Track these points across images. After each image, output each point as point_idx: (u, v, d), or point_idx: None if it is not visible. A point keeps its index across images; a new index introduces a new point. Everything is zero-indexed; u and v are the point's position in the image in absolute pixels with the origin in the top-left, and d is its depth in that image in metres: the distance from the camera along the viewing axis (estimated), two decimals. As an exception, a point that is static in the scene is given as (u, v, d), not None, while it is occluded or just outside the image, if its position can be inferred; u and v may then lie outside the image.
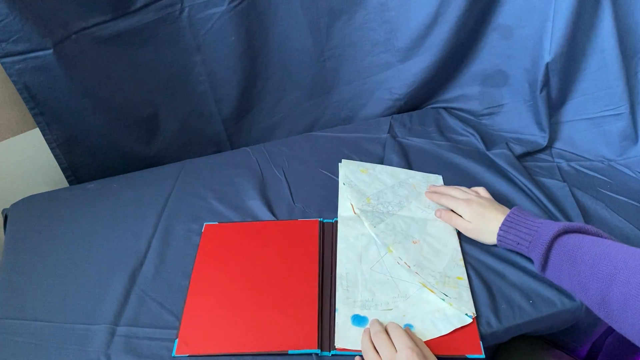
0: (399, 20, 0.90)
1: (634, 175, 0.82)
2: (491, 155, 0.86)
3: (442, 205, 0.74)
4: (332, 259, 0.68)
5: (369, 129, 0.95)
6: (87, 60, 0.77)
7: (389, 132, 0.93)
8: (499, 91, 0.94)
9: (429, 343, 0.57)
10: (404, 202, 0.76)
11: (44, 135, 0.81)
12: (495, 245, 0.68)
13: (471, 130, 0.93)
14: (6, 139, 0.82)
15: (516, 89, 0.91)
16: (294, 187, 0.81)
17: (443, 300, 0.61)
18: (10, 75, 0.73)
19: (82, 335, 0.60)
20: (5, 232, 0.76)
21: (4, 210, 0.80)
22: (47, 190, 0.84)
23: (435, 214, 0.74)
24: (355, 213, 0.74)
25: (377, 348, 0.55)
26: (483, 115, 0.97)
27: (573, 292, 0.58)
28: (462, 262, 0.67)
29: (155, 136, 0.93)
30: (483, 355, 0.56)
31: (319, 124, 1.03)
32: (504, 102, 0.94)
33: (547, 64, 0.80)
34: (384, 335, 0.55)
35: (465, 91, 0.98)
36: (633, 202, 0.77)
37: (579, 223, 0.60)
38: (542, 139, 0.89)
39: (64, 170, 0.87)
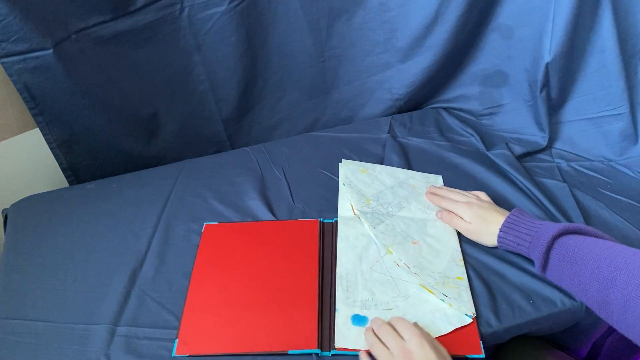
0: (399, 20, 0.90)
1: (634, 175, 0.82)
2: (491, 156, 0.86)
3: (442, 207, 0.74)
4: (332, 259, 0.68)
5: (369, 129, 0.95)
6: (87, 60, 0.77)
7: (389, 132, 0.93)
8: (499, 91, 0.94)
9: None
10: (404, 203, 0.76)
11: (44, 135, 0.81)
12: (495, 247, 0.68)
13: (471, 131, 0.93)
14: (6, 139, 0.82)
15: (516, 89, 0.91)
16: (294, 187, 0.81)
17: (443, 301, 0.61)
18: (10, 75, 0.73)
19: (82, 335, 0.60)
20: (5, 232, 0.76)
21: (4, 210, 0.80)
22: (47, 190, 0.84)
23: (436, 215, 0.74)
24: (355, 214, 0.74)
25: (383, 340, 0.54)
26: (483, 115, 0.97)
27: (573, 292, 0.58)
28: (462, 262, 0.67)
29: (155, 136, 0.93)
30: (483, 355, 0.56)
31: (319, 124, 1.03)
32: (504, 102, 0.94)
33: (547, 64, 0.80)
34: (389, 327, 0.55)
35: (465, 91, 0.98)
36: (633, 202, 0.77)
37: (579, 224, 0.60)
38: (542, 139, 0.89)
39: (64, 170, 0.87)
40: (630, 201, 0.77)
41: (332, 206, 0.76)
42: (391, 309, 0.61)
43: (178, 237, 0.73)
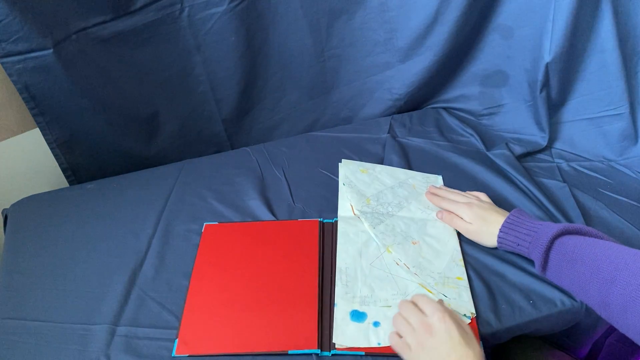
0: (399, 20, 0.90)
1: (634, 175, 0.82)
2: (491, 156, 0.86)
3: (442, 208, 0.74)
4: (332, 259, 0.68)
5: (369, 129, 0.95)
6: (87, 60, 0.77)
7: (389, 132, 0.93)
8: (499, 91, 0.94)
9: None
10: (404, 203, 0.76)
11: (44, 135, 0.81)
12: (495, 248, 0.68)
13: (471, 131, 0.93)
14: (6, 139, 0.82)
15: (516, 89, 0.91)
16: (294, 187, 0.81)
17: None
18: (10, 75, 0.73)
19: (82, 335, 0.60)
20: (5, 232, 0.76)
21: (4, 210, 0.80)
22: (47, 190, 0.84)
23: (436, 216, 0.74)
24: (355, 214, 0.74)
25: (405, 316, 0.55)
26: (483, 115, 0.97)
27: (574, 292, 0.59)
28: (462, 263, 0.67)
29: (155, 136, 0.93)
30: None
31: (319, 124, 1.03)
32: (504, 103, 0.94)
33: (547, 64, 0.80)
34: (411, 304, 0.56)
35: (465, 91, 0.98)
36: (633, 202, 0.77)
37: (578, 224, 0.60)
38: (542, 139, 0.89)
39: (64, 170, 0.87)
40: (630, 201, 0.77)
41: (332, 206, 0.76)
42: (390, 307, 0.61)
43: (178, 237, 0.73)
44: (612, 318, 0.52)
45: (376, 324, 0.59)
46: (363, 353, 0.57)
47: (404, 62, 0.95)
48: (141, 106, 0.88)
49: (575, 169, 0.85)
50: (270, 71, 0.94)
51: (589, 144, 0.87)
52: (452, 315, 0.54)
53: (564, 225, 0.59)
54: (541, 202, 0.75)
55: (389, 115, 1.00)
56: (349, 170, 0.82)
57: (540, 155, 0.88)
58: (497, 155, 0.85)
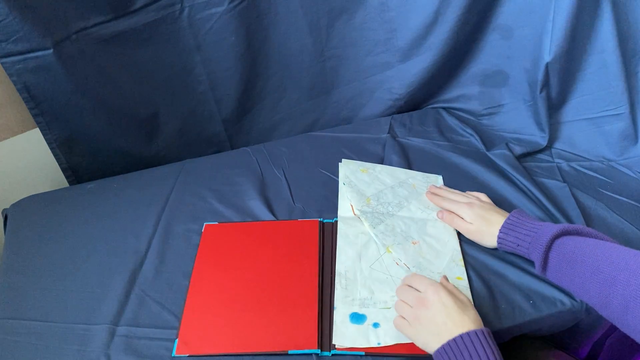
0: (399, 20, 0.90)
1: (634, 175, 0.82)
2: (491, 156, 0.86)
3: (443, 208, 0.74)
4: (332, 259, 0.68)
5: (369, 129, 0.95)
6: (87, 60, 0.77)
7: (389, 132, 0.93)
8: (499, 91, 0.94)
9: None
10: (404, 203, 0.76)
11: (44, 135, 0.81)
12: (495, 249, 0.68)
13: (471, 131, 0.93)
14: (6, 139, 0.82)
15: (516, 89, 0.91)
16: (294, 187, 0.81)
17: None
18: (10, 75, 0.73)
19: (82, 335, 0.60)
20: (5, 232, 0.76)
21: (4, 210, 0.80)
22: (47, 190, 0.84)
23: (437, 216, 0.74)
24: (355, 214, 0.74)
25: (402, 299, 0.58)
26: (483, 115, 0.97)
27: (574, 292, 0.58)
28: (462, 263, 0.67)
29: (155, 136, 0.93)
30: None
31: (319, 124, 1.03)
32: (504, 102, 0.94)
33: (547, 64, 0.80)
34: (406, 287, 0.59)
35: (465, 91, 0.98)
36: (633, 202, 0.77)
37: (578, 225, 0.60)
38: (542, 139, 0.89)
39: (64, 170, 0.87)
40: (630, 201, 0.77)
41: (332, 206, 0.76)
42: (389, 308, 0.61)
43: (178, 237, 0.73)
44: (613, 318, 0.52)
45: (376, 325, 0.59)
46: (363, 353, 0.57)
47: (404, 62, 0.95)
48: (141, 106, 0.88)
49: (575, 169, 0.85)
50: (270, 71, 0.94)
51: (589, 144, 0.87)
52: (447, 287, 0.56)
53: (563, 225, 0.60)
54: (541, 202, 0.75)
55: (389, 115, 1.00)
56: (349, 170, 0.82)
57: (540, 155, 0.88)
58: (497, 155, 0.85)
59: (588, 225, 0.72)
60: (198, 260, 0.68)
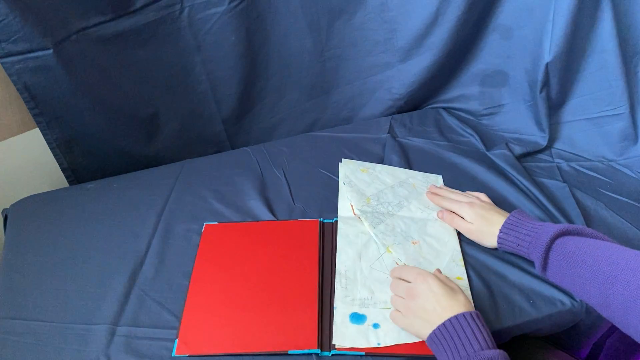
0: (399, 20, 0.90)
1: (634, 175, 0.82)
2: (491, 156, 0.86)
3: (443, 207, 0.74)
4: (332, 259, 0.68)
5: (369, 129, 0.95)
6: (87, 60, 0.77)
7: (389, 132, 0.93)
8: (499, 91, 0.94)
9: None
10: (404, 203, 0.76)
11: (44, 135, 0.81)
12: (496, 249, 0.68)
13: (471, 131, 0.93)
14: (6, 139, 0.82)
15: (516, 89, 0.91)
16: (294, 187, 0.81)
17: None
18: (10, 75, 0.73)
19: (82, 335, 0.60)
20: (5, 232, 0.76)
21: (4, 210, 0.80)
22: (47, 190, 0.84)
23: (437, 215, 0.74)
24: (355, 214, 0.74)
25: (395, 293, 0.60)
26: (483, 115, 0.97)
27: (574, 292, 0.58)
28: (462, 262, 0.67)
29: (155, 136, 0.93)
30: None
31: (319, 124, 1.03)
32: (504, 102, 0.94)
33: (547, 64, 0.80)
34: (397, 280, 0.61)
35: (465, 91, 0.98)
36: (633, 202, 0.77)
37: (578, 225, 0.60)
38: (542, 139, 0.89)
39: (64, 170, 0.87)
40: (630, 201, 0.77)
41: (332, 206, 0.76)
42: (389, 308, 0.61)
43: (178, 237, 0.73)
44: (613, 318, 0.52)
45: (376, 325, 0.59)
46: (363, 353, 0.57)
47: (404, 62, 0.95)
48: (141, 106, 0.88)
49: (575, 169, 0.85)
50: (270, 71, 0.94)
51: (589, 144, 0.87)
52: (438, 276, 0.57)
53: (563, 225, 0.60)
54: (541, 202, 0.75)
55: (389, 115, 1.00)
56: (349, 170, 0.82)
57: (540, 155, 0.88)
58: (497, 155, 0.85)
59: (588, 225, 0.72)
60: (198, 260, 0.68)
